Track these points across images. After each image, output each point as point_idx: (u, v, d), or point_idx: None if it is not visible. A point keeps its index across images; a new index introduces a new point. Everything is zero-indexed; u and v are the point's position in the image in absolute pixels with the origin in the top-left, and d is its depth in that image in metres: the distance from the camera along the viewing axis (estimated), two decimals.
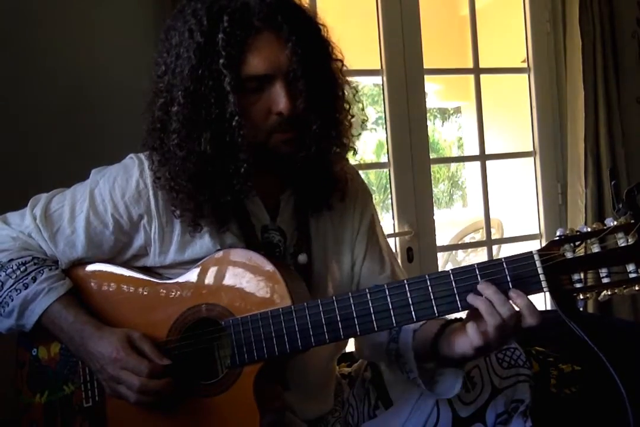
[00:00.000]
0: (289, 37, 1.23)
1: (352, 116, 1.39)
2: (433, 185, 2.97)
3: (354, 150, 1.42)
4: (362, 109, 1.41)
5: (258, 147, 1.30)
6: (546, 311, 2.42)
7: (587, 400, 1.85)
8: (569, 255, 1.10)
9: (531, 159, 3.13)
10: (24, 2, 2.20)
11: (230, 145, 1.26)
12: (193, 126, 1.26)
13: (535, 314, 1.13)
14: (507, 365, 1.36)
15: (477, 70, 2.99)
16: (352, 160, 1.48)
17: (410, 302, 1.17)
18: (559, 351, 1.99)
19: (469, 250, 5.38)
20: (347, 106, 1.38)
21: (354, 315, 1.20)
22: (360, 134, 1.42)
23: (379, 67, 2.79)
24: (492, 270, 1.13)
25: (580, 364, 1.93)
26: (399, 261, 2.77)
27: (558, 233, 1.11)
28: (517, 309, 1.13)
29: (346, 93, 1.37)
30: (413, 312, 1.17)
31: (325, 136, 1.32)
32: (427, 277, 1.17)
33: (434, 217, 2.89)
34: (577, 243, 1.09)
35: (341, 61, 1.36)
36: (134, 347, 1.29)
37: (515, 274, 1.12)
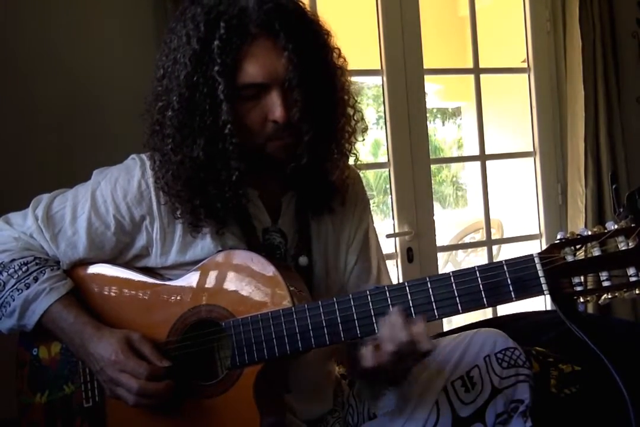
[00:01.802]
0: (285, 44, 1.22)
1: (357, 122, 1.39)
2: (433, 186, 2.97)
3: (356, 156, 1.42)
4: (362, 118, 1.41)
5: (255, 153, 1.30)
6: (546, 312, 2.43)
7: (587, 400, 1.85)
8: (569, 258, 1.10)
9: (531, 159, 3.13)
10: (23, 3, 2.20)
11: (222, 153, 1.26)
12: (187, 132, 1.26)
13: (428, 341, 1.14)
14: (506, 365, 1.36)
15: (477, 70, 2.99)
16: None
17: (411, 304, 1.17)
18: (559, 351, 1.99)
19: (469, 250, 5.37)
20: (351, 112, 1.37)
21: (355, 317, 1.20)
22: (364, 139, 1.42)
23: (379, 67, 2.79)
24: (492, 272, 1.13)
25: (580, 364, 1.93)
26: (399, 261, 2.78)
27: (559, 236, 1.11)
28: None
29: (349, 99, 1.37)
30: (414, 315, 1.17)
31: (323, 144, 1.32)
32: (427, 279, 1.17)
33: (434, 218, 2.89)
34: (577, 246, 1.09)
35: (343, 68, 1.35)
36: (134, 349, 1.29)
37: (515, 277, 1.12)
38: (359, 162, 1.45)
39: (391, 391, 1.30)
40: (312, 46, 1.28)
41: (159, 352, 1.29)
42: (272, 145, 1.31)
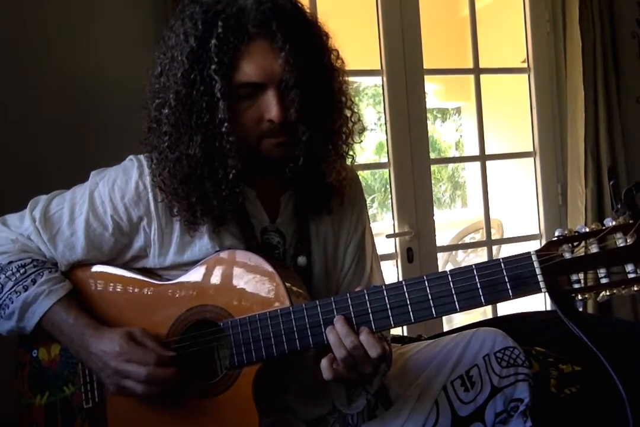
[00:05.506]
0: (282, 45, 1.23)
1: (354, 123, 1.39)
2: (433, 186, 2.96)
3: (353, 158, 1.42)
4: (359, 120, 1.41)
5: (251, 151, 1.31)
6: (546, 312, 2.43)
7: (587, 400, 1.84)
8: (567, 255, 1.10)
9: (531, 159, 3.13)
10: (24, 3, 2.20)
11: (219, 151, 1.27)
12: (184, 130, 1.27)
13: (375, 346, 1.17)
14: (506, 364, 1.36)
15: (477, 71, 2.98)
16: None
17: (408, 302, 1.17)
18: (559, 351, 1.99)
19: (469, 250, 5.37)
20: (349, 113, 1.38)
21: (352, 315, 1.20)
22: (362, 141, 1.43)
23: (379, 67, 2.79)
24: (490, 270, 1.13)
25: (580, 364, 1.92)
26: (399, 261, 2.78)
27: (557, 233, 1.11)
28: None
29: (347, 101, 1.37)
30: (411, 313, 1.17)
31: (319, 145, 1.32)
32: (425, 278, 1.17)
33: (434, 218, 2.89)
34: (575, 243, 1.09)
35: (341, 70, 1.36)
36: (137, 342, 1.29)
37: (513, 275, 1.12)
38: (355, 163, 1.46)
39: (361, 395, 1.32)
40: (310, 47, 1.28)
41: (161, 344, 1.30)
42: (267, 143, 1.31)
